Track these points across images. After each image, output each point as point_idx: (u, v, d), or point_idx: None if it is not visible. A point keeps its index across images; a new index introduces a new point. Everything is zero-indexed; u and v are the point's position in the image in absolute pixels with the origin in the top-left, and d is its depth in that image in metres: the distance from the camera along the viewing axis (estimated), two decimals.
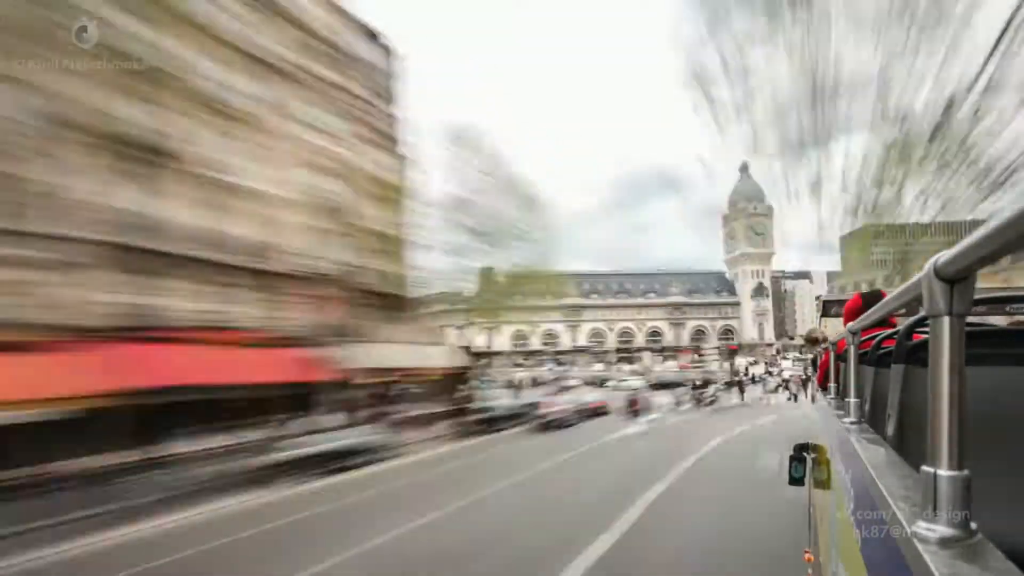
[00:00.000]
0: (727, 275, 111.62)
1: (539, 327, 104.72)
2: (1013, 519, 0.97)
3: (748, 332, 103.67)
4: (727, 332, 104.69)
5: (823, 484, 2.80)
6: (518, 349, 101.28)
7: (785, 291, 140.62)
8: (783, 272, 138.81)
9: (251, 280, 18.10)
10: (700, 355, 65.70)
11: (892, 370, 1.53)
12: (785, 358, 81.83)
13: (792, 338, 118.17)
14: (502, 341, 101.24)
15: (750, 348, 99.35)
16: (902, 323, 1.84)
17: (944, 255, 0.78)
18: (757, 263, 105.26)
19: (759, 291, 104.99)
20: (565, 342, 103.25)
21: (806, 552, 4.04)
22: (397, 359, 22.04)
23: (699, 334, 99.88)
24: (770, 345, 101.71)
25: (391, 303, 23.59)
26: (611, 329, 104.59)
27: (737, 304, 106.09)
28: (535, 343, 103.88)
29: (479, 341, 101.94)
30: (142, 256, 14.92)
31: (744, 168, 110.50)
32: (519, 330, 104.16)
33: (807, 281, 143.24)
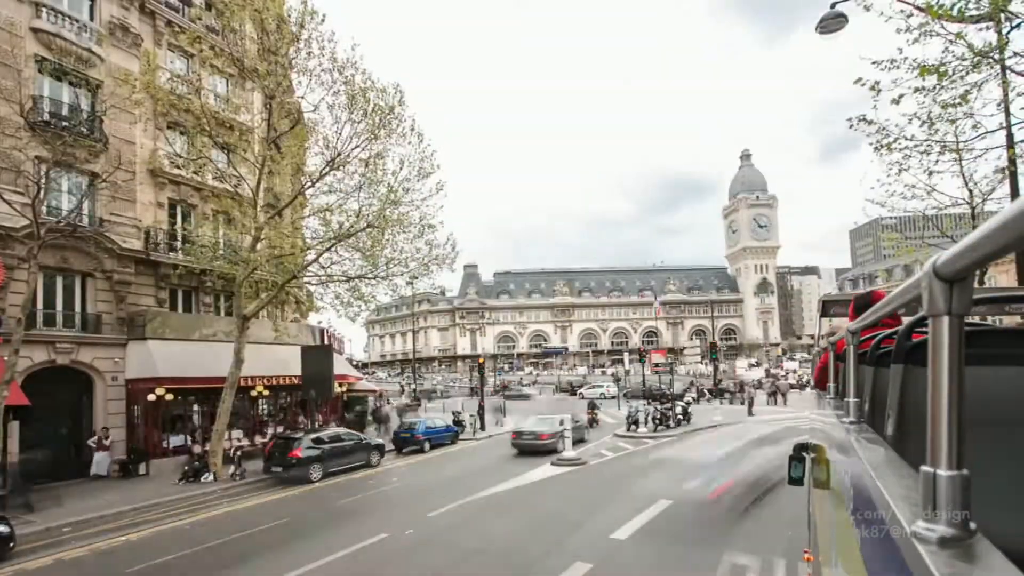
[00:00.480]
0: (729, 271, 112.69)
1: (527, 328, 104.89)
2: (1013, 519, 1.04)
3: (751, 331, 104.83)
4: (729, 332, 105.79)
5: (823, 484, 2.89)
6: (502, 352, 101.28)
7: (792, 288, 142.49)
8: (789, 268, 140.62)
9: None
10: (679, 356, 60.90)
11: (892, 370, 1.60)
12: (792, 359, 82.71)
13: (799, 337, 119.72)
14: (487, 343, 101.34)
15: (752, 348, 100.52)
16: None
17: (943, 255, 0.83)
18: (761, 257, 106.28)
19: (763, 287, 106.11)
20: (555, 343, 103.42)
21: (805, 552, 4.16)
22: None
23: (699, 334, 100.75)
24: (775, 345, 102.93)
25: None
26: (604, 330, 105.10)
27: (740, 302, 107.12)
28: (523, 345, 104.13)
29: (463, 343, 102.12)
30: None
31: (745, 155, 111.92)
32: (506, 332, 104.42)
33: (815, 277, 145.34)
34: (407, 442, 23.02)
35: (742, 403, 35.09)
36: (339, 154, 17.77)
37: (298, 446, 17.07)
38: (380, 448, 20.31)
